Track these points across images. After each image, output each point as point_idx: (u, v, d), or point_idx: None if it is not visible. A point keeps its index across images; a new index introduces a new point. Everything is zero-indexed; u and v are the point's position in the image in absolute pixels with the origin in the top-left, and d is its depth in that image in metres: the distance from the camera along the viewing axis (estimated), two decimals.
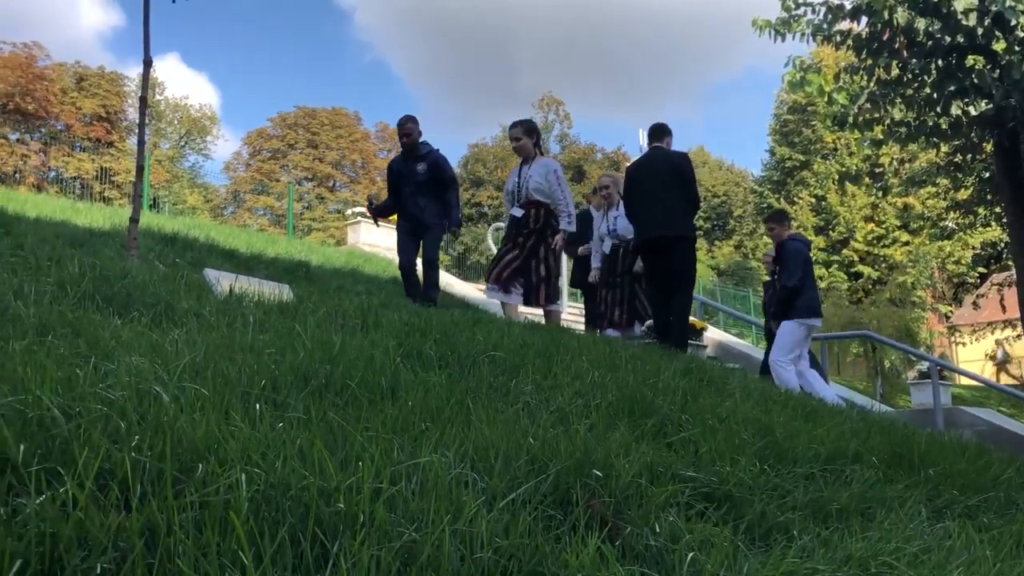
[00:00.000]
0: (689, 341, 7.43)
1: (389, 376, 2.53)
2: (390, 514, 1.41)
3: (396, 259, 7.76)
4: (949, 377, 15.99)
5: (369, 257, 12.26)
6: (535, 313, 7.33)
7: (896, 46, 8.33)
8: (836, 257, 31.96)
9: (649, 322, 7.36)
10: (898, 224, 31.33)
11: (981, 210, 13.12)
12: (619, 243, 7.61)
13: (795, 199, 33.92)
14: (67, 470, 1.30)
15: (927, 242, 28.28)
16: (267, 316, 3.46)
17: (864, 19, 8.43)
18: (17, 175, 33.10)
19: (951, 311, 32.90)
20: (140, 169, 5.84)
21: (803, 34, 8.67)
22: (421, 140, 7.75)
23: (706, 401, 3.19)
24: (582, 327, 8.19)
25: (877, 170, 21.30)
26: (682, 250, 6.59)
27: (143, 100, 5.82)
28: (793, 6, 8.68)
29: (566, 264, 11.28)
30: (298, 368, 2.40)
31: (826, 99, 9.33)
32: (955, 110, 8.21)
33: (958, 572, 1.83)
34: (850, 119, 8.86)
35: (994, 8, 7.34)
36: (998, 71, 7.72)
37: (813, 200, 33.31)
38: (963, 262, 29.66)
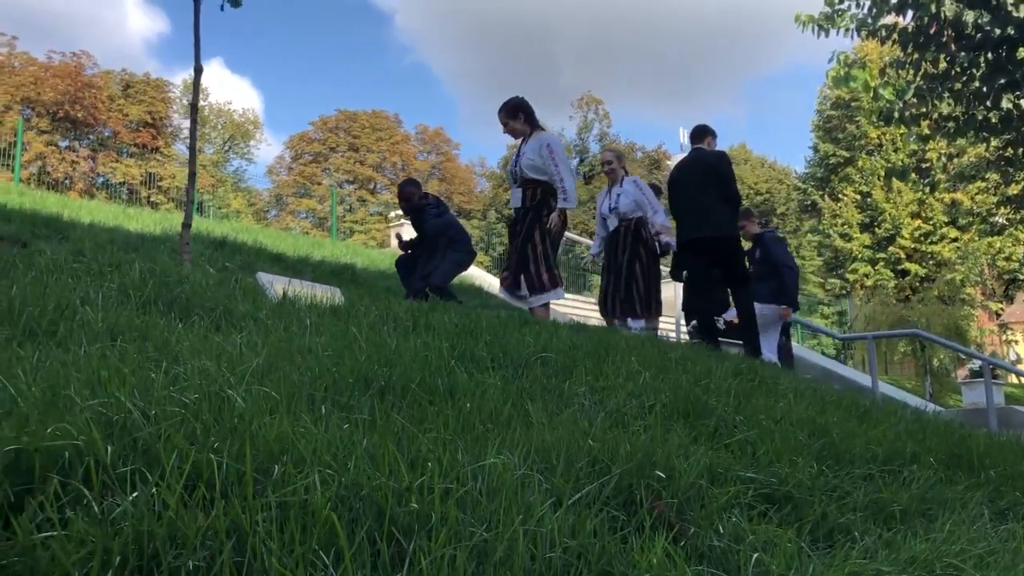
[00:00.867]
0: (730, 340, 7.39)
1: (446, 378, 2.57)
2: (461, 514, 1.44)
3: None
4: (1002, 376, 15.67)
5: None
6: (576, 311, 7.25)
7: (944, 39, 8.19)
8: (882, 254, 31.43)
9: (694, 322, 7.33)
10: (946, 220, 30.72)
11: None
12: (622, 222, 7.33)
13: (839, 195, 33.45)
14: (152, 471, 1.35)
15: (976, 238, 27.72)
16: (321, 319, 3.51)
17: (910, 13, 8.27)
18: (67, 181, 33.87)
19: (1002, 308, 32.23)
20: (192, 175, 5.94)
21: (847, 29, 8.48)
22: (426, 202, 7.58)
23: (759, 402, 3.18)
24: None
25: (924, 166, 20.91)
26: (733, 251, 6.59)
27: (194, 107, 5.93)
28: (837, 1, 8.54)
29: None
30: (357, 371, 2.44)
31: (871, 94, 9.15)
32: (1005, 103, 8.05)
33: None
34: (896, 114, 8.71)
35: None
36: None
37: (858, 197, 32.80)
38: (1014, 258, 29.05)
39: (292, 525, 1.26)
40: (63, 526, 1.18)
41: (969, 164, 15.59)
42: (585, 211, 36.65)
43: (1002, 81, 7.89)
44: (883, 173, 12.49)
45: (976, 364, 13.21)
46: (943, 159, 17.38)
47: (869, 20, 8.47)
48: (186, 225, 5.74)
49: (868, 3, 8.45)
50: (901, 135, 27.01)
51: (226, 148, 44.72)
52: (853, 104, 32.96)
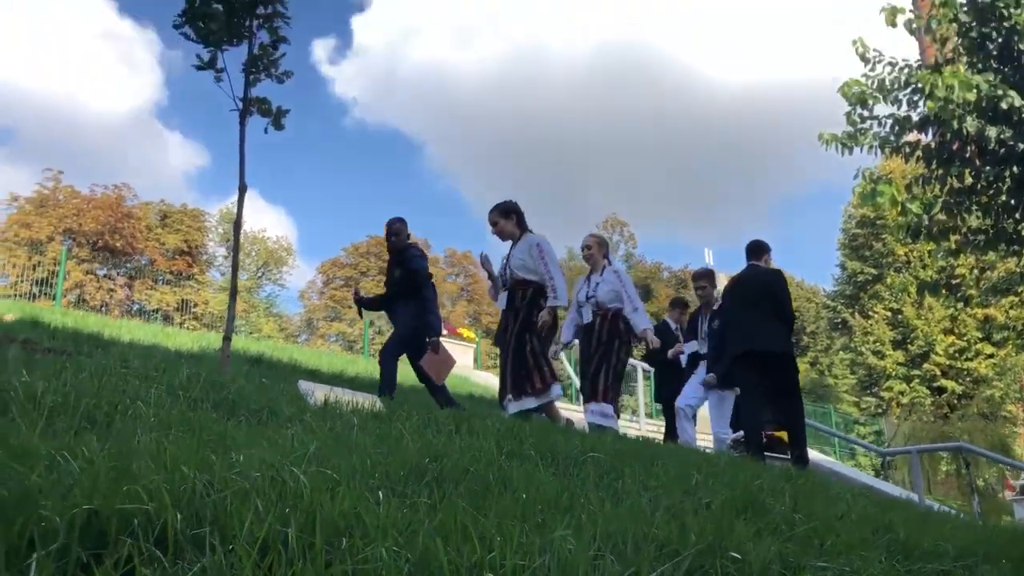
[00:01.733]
0: (773, 454, 7.23)
1: (496, 471, 2.52)
2: None
3: (471, 375, 7.76)
4: None
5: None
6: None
7: (968, 155, 8.28)
8: (917, 372, 30.95)
9: (736, 435, 7.18)
10: (980, 336, 30.35)
11: None
12: (598, 312, 6.77)
13: (870, 313, 33.27)
14: (223, 540, 1.32)
15: (1013, 353, 27.27)
16: (365, 421, 3.50)
17: (932, 130, 8.39)
18: (103, 308, 34.57)
19: None
20: (233, 289, 6.06)
21: (870, 147, 8.54)
22: (409, 243, 7.41)
23: (818, 502, 3.08)
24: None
25: (954, 281, 20.86)
26: (789, 366, 6.64)
27: (237, 224, 6.09)
28: (859, 120, 8.65)
29: (641, 376, 11.00)
30: (408, 463, 2.41)
31: (899, 209, 9.14)
32: None
33: None
34: (924, 229, 8.68)
35: None
36: None
37: (889, 314, 32.62)
38: None
39: None
40: None
41: (1001, 278, 15.50)
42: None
43: None
44: (915, 288, 12.41)
45: None
46: (974, 273, 17.33)
47: (892, 138, 8.58)
48: (226, 338, 5.81)
49: (890, 122, 8.59)
50: (929, 251, 27.07)
51: (259, 274, 45.65)
52: (879, 222, 33.21)
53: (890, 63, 8.52)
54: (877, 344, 32.08)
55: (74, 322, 8.67)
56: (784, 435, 9.36)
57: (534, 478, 2.52)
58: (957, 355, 30.59)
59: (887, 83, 8.50)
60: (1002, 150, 7.87)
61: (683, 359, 8.11)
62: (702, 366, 7.78)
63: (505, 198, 6.73)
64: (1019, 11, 7.74)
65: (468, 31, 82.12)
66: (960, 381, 30.22)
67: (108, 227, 36.89)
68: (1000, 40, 8.01)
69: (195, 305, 36.02)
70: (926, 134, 8.61)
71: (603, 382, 6.51)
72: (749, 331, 6.49)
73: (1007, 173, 8.08)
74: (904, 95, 8.53)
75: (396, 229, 7.33)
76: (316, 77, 75.75)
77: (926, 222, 8.61)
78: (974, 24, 8.08)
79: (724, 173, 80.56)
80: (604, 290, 6.80)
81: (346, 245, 47.12)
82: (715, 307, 7.63)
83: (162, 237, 39.43)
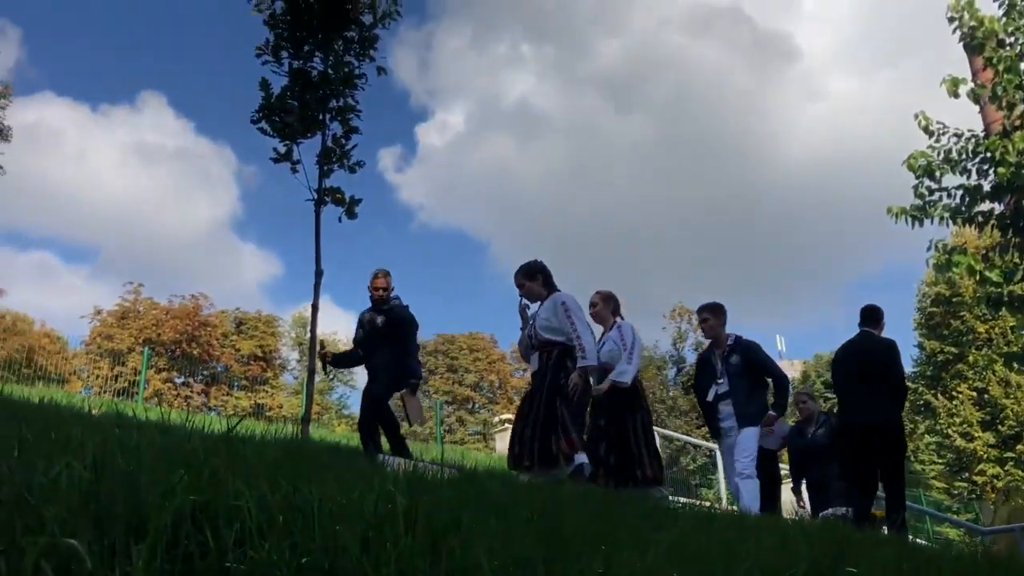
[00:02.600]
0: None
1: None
2: None
3: None
4: None
5: None
6: None
7: None
8: (1011, 453, 29.45)
9: (842, 510, 6.87)
10: None
11: None
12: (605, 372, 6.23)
13: (953, 393, 32.01)
14: None
15: None
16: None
17: (1006, 197, 8.18)
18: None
19: None
20: (311, 372, 6.22)
21: (941, 218, 8.31)
22: (393, 295, 7.53)
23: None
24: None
25: None
26: (895, 441, 6.51)
27: (315, 308, 6.29)
28: (927, 192, 8.39)
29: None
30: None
31: (977, 278, 8.78)
32: None
33: None
34: (1005, 299, 8.36)
35: None
36: None
37: (974, 394, 31.34)
38: None
39: None
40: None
41: None
42: (687, 420, 35.98)
43: None
44: (1003, 360, 11.89)
45: None
46: None
47: (963, 208, 8.35)
48: (305, 420, 5.93)
49: (960, 192, 8.34)
50: (1012, 326, 26.12)
51: (331, 376, 46.37)
52: (955, 299, 32.31)
53: (955, 134, 8.40)
54: (964, 426, 30.72)
55: (155, 414, 8.91)
56: (879, 513, 9.01)
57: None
58: None
59: (954, 153, 8.36)
60: None
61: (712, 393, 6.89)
62: (729, 421, 6.70)
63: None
64: None
65: (528, 127, 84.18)
66: None
67: (186, 336, 38.13)
68: None
69: (269, 409, 36.64)
70: (999, 202, 8.38)
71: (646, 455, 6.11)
72: (862, 404, 6.41)
73: None
74: (973, 164, 8.33)
75: (385, 283, 7.48)
76: (384, 184, 78.36)
77: (1007, 291, 8.31)
78: None
79: (792, 257, 79.72)
80: (607, 348, 6.38)
81: None
82: (729, 343, 6.75)
83: (237, 343, 40.53)
